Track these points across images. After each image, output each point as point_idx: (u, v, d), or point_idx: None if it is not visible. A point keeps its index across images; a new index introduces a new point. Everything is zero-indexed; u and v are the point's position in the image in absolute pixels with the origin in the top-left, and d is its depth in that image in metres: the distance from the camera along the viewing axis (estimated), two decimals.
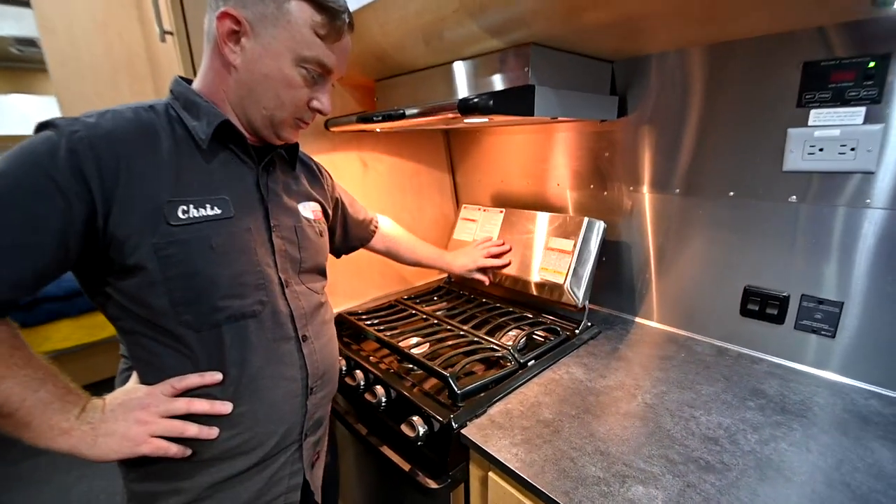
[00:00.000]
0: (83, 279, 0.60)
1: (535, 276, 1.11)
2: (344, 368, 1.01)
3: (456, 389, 0.79)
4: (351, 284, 1.30)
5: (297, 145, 0.77)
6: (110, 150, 0.55)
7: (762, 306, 0.92)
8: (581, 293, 1.03)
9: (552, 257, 1.08)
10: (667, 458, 0.67)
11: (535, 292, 1.11)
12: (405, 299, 1.27)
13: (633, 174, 1.07)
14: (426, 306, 1.22)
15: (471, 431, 0.74)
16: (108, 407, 0.59)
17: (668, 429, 0.73)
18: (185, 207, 0.59)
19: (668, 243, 1.06)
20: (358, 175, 1.27)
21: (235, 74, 0.62)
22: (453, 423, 0.74)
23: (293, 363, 0.69)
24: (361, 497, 1.10)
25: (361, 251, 1.29)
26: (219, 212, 0.62)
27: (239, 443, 0.64)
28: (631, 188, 1.09)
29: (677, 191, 1.01)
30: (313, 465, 0.77)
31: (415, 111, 0.79)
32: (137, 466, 0.62)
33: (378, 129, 1.13)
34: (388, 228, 1.14)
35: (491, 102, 0.68)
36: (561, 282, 1.05)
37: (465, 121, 0.83)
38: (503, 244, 1.20)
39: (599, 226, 1.05)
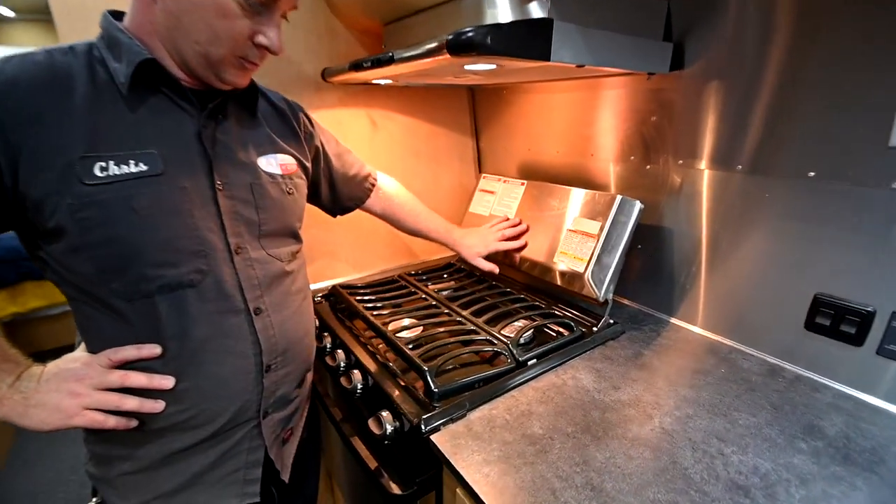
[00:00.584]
0: (22, 240, 0.56)
1: (552, 262, 0.96)
2: (328, 346, 0.93)
3: (433, 386, 0.68)
4: (354, 254, 1.21)
5: (255, 88, 0.66)
6: (14, 100, 0.49)
7: (836, 321, 0.73)
8: (604, 286, 0.87)
9: (574, 241, 0.92)
10: None
11: (554, 280, 0.96)
12: (410, 274, 1.17)
13: (686, 144, 0.87)
14: (432, 284, 1.11)
15: (441, 438, 0.63)
16: (44, 377, 0.56)
17: (685, 466, 0.59)
18: (103, 164, 0.51)
19: (724, 232, 0.86)
20: (365, 135, 1.15)
21: (161, 2, 0.52)
22: (423, 426, 0.64)
23: (243, 338, 0.62)
24: (346, 483, 1.04)
25: (364, 216, 1.18)
26: (144, 168, 0.53)
27: (186, 417, 0.60)
28: (681, 161, 0.89)
29: (740, 167, 0.80)
30: (285, 441, 0.72)
31: (404, 55, 0.65)
32: (93, 429, 0.59)
33: (383, 83, 1.00)
34: (390, 188, 1.01)
35: (489, 39, 0.53)
36: (581, 270, 0.89)
37: (466, 67, 0.68)
38: (520, 223, 1.05)
39: (635, 206, 0.87)
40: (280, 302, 0.66)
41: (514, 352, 0.79)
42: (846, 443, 0.63)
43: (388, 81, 0.97)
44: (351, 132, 1.12)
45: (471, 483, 0.55)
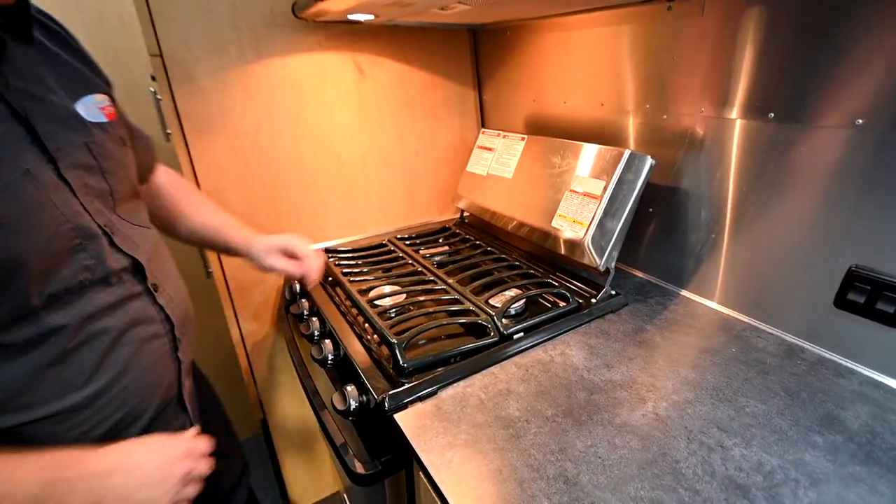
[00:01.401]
0: None
1: (548, 224, 0.87)
2: (304, 313, 0.88)
3: (401, 360, 0.62)
4: (343, 216, 1.14)
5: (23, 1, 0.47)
6: None
7: (872, 298, 0.62)
8: (605, 253, 0.78)
9: (574, 202, 0.82)
10: None
11: (554, 247, 0.88)
12: (401, 239, 1.09)
13: (711, 89, 0.75)
14: (424, 249, 1.04)
15: (407, 418, 0.58)
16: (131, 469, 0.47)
17: (676, 459, 0.52)
18: None
19: (751, 193, 0.75)
20: (351, 85, 1.05)
21: None
22: (386, 403, 0.58)
23: (153, 319, 0.55)
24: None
25: (356, 170, 1.11)
26: None
27: (116, 422, 0.51)
28: (703, 110, 0.77)
29: (773, 115, 0.68)
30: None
31: None
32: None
33: (363, 19, 0.89)
34: (169, 172, 0.79)
35: None
36: (580, 236, 0.80)
37: None
38: (311, 260, 0.80)
39: (645, 163, 0.76)
40: (166, 270, 0.60)
41: (499, 324, 0.72)
42: (870, 438, 0.54)
43: (370, 17, 0.86)
44: (334, 82, 1.02)
45: (429, 469, 0.50)
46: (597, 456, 0.52)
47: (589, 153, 0.83)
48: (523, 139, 0.98)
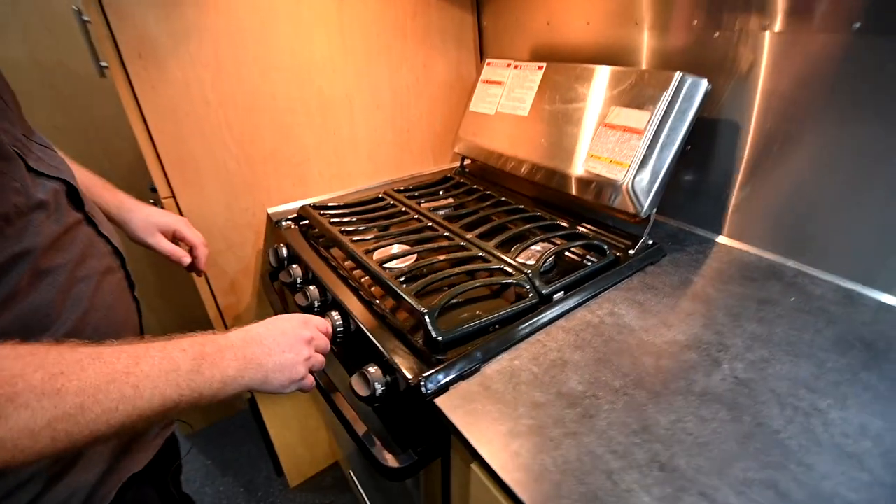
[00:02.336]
0: None
1: (578, 169, 0.75)
2: (298, 281, 0.74)
3: (435, 333, 0.51)
4: (329, 168, 0.98)
5: None
6: None
7: None
8: (649, 197, 0.68)
9: (611, 139, 0.71)
10: (777, 490, 0.39)
11: (578, 193, 0.77)
12: (399, 191, 0.95)
13: None
14: (425, 202, 0.90)
15: (451, 402, 0.47)
16: (266, 338, 0.46)
17: (775, 429, 0.44)
18: None
19: (808, 121, 0.66)
20: (331, 7, 0.86)
21: None
22: (424, 387, 0.48)
23: (102, 252, 0.50)
24: (346, 444, 0.92)
25: (342, 118, 0.94)
26: None
27: None
28: (765, 23, 0.65)
29: (857, 25, 0.57)
30: None
31: None
32: None
33: None
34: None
35: None
36: (620, 178, 0.69)
37: None
38: (201, 250, 0.73)
39: (700, 87, 0.65)
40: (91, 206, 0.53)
41: (538, 284, 0.61)
42: None
43: None
44: (309, 2, 0.83)
45: (497, 469, 0.40)
46: (686, 433, 0.44)
47: (627, 79, 0.71)
48: (540, 68, 0.84)
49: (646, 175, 0.68)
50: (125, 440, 0.52)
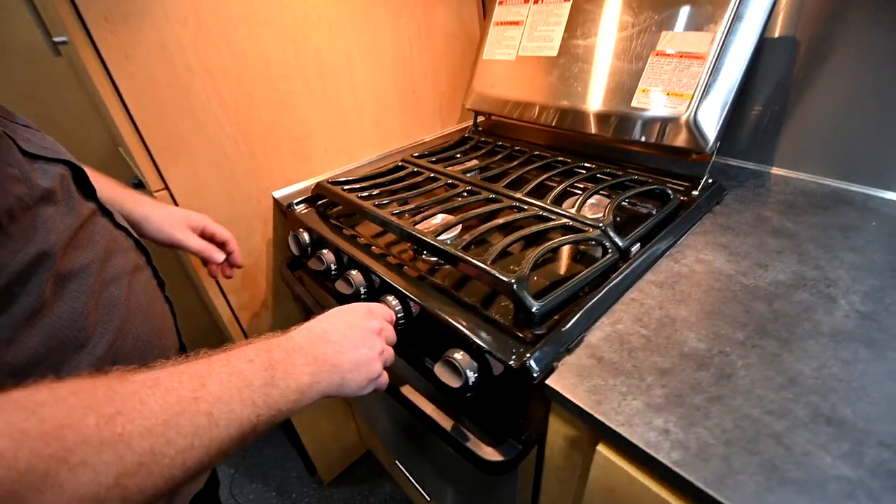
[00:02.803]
0: None
1: (625, 108, 0.68)
2: (333, 268, 0.66)
3: (531, 305, 0.44)
4: (333, 140, 0.88)
5: None
6: None
7: None
8: (714, 130, 0.62)
9: (666, 69, 0.63)
10: None
11: (623, 134, 0.69)
12: (416, 156, 0.86)
13: None
14: (449, 167, 0.82)
15: (565, 381, 0.41)
16: (333, 334, 0.40)
17: None
18: None
19: (871, 29, 0.61)
20: None
21: None
22: (532, 368, 0.41)
23: (125, 247, 0.43)
24: (397, 446, 0.86)
25: (344, 87, 0.84)
26: None
27: None
28: None
29: None
30: None
31: None
32: None
33: None
34: None
35: None
36: (682, 111, 0.62)
37: None
38: (233, 244, 0.67)
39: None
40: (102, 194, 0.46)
41: (615, 237, 0.54)
42: None
43: None
44: None
45: (650, 450, 0.34)
46: (836, 379, 0.39)
47: None
48: (567, 0, 0.75)
49: (711, 105, 0.61)
50: None
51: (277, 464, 1.39)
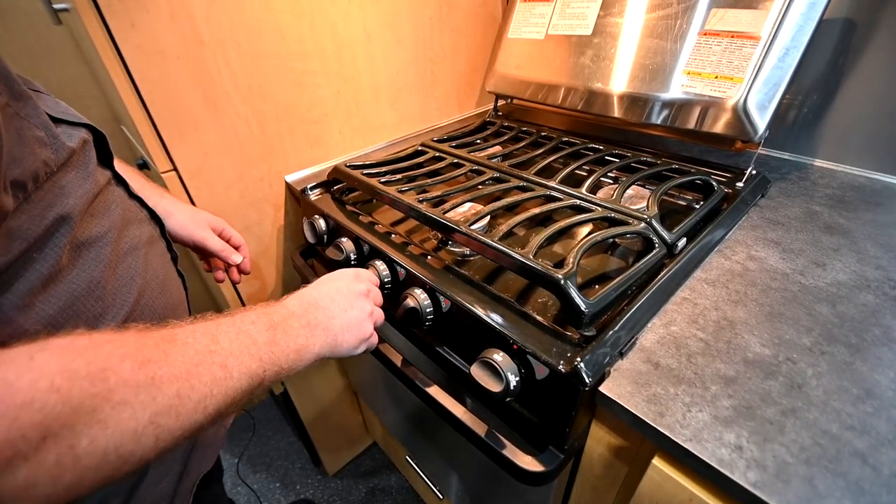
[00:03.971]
0: None
1: (668, 92, 0.63)
2: (353, 258, 0.62)
3: (582, 304, 0.40)
4: (350, 121, 0.83)
5: None
6: None
7: None
8: (767, 116, 0.57)
9: (715, 50, 0.59)
10: None
11: (664, 120, 0.65)
12: (436, 141, 0.81)
13: None
14: (472, 153, 0.77)
15: (621, 389, 0.37)
16: (323, 299, 0.42)
17: None
18: None
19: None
20: None
21: None
22: (584, 373, 0.37)
23: (140, 218, 0.42)
24: (417, 448, 0.83)
25: (362, 64, 0.79)
26: None
27: None
28: None
29: None
30: None
31: None
32: None
33: None
34: None
35: None
36: (732, 95, 0.58)
37: None
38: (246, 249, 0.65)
39: None
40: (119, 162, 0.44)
41: (662, 231, 0.51)
42: None
43: None
44: None
45: (724, 470, 0.31)
46: None
47: None
48: None
49: (764, 90, 0.57)
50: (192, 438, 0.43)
51: (282, 455, 1.37)
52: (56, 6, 0.61)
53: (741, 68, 0.57)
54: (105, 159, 0.40)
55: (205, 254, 0.62)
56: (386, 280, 0.56)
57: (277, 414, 1.49)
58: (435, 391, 0.49)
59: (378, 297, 0.46)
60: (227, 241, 0.62)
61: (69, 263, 0.32)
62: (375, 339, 0.44)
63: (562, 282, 0.40)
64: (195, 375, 0.28)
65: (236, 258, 0.62)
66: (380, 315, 0.45)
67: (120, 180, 0.41)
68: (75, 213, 0.32)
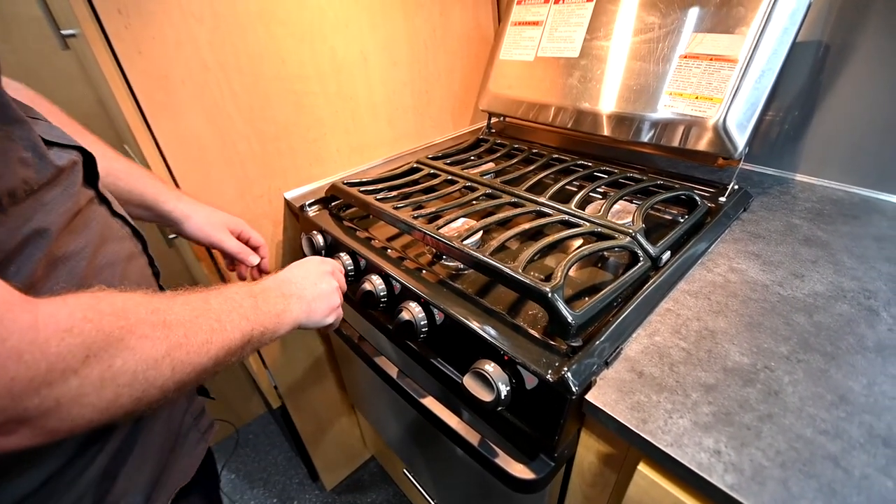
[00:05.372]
0: None
1: (651, 112, 0.66)
2: (350, 271, 0.63)
3: (568, 316, 0.42)
4: (348, 139, 0.86)
5: None
6: None
7: None
8: (745, 134, 0.60)
9: (695, 72, 0.62)
10: None
11: (649, 138, 0.68)
12: (430, 158, 0.84)
13: None
14: (465, 169, 0.80)
15: (606, 397, 0.39)
16: (296, 276, 0.49)
17: None
18: None
19: (876, 35, 0.60)
20: None
21: None
22: (571, 382, 0.39)
23: (121, 236, 0.43)
24: (410, 456, 0.84)
25: (359, 81, 0.82)
26: None
27: None
28: None
29: None
30: None
31: None
32: None
33: None
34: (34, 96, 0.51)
35: None
36: (711, 115, 0.60)
37: None
38: (265, 250, 0.68)
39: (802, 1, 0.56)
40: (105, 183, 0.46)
41: (646, 244, 0.53)
42: None
43: None
44: None
45: (704, 474, 0.32)
46: (888, 397, 0.37)
47: None
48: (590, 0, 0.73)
49: (741, 109, 0.59)
50: (167, 449, 0.45)
51: (279, 469, 1.37)
52: (64, 32, 0.64)
53: (720, 89, 0.60)
54: (91, 179, 0.41)
55: (224, 255, 0.65)
56: (381, 293, 0.58)
57: (276, 429, 1.49)
58: (429, 402, 0.51)
59: (342, 280, 0.53)
60: (247, 242, 0.65)
61: (44, 276, 0.33)
62: (342, 312, 0.51)
63: (549, 295, 0.42)
64: (196, 324, 0.33)
65: (253, 259, 0.65)
66: (344, 289, 0.52)
67: (103, 199, 0.42)
68: (54, 228, 0.33)
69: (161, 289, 0.49)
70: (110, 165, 0.52)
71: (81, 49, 0.65)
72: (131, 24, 0.56)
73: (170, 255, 1.05)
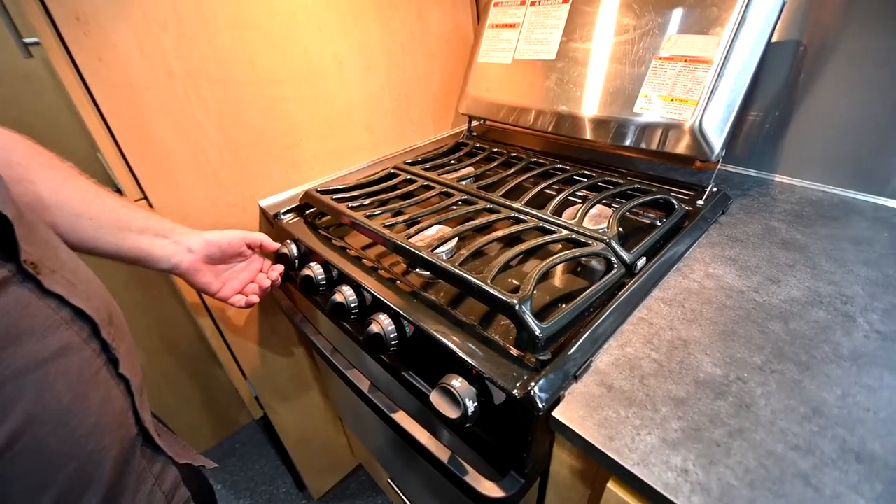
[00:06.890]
0: None
1: (627, 114, 0.65)
2: (321, 280, 0.62)
3: (535, 329, 0.41)
4: (325, 145, 0.84)
5: None
6: None
7: None
8: (722, 136, 0.59)
9: (670, 74, 0.61)
10: None
11: (626, 141, 0.67)
12: (409, 163, 0.83)
13: None
14: (443, 174, 0.79)
15: (573, 413, 0.38)
16: None
17: None
18: None
19: (857, 36, 0.59)
20: None
21: None
22: (538, 399, 0.38)
23: (52, 323, 0.33)
24: (395, 469, 0.82)
25: (334, 85, 0.80)
26: None
27: (57, 496, 0.33)
28: None
29: None
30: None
31: None
32: None
33: None
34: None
35: None
36: (686, 118, 0.59)
37: None
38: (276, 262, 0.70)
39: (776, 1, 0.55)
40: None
41: (620, 251, 0.52)
42: None
43: None
44: None
45: (670, 496, 0.31)
46: (862, 408, 0.36)
47: (682, 0, 0.60)
48: (566, 1, 0.72)
49: (717, 111, 0.58)
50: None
51: (266, 479, 1.35)
52: (26, 40, 0.62)
53: (695, 91, 0.59)
54: (9, 253, 0.31)
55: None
56: (353, 304, 0.57)
57: (263, 438, 1.47)
58: (400, 416, 0.49)
59: None
60: (269, 250, 0.68)
61: None
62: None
63: (516, 307, 0.41)
64: None
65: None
66: None
67: (27, 276, 0.31)
68: None
69: (122, 378, 0.38)
70: (95, 205, 0.50)
71: (45, 57, 0.64)
72: (91, 32, 0.55)
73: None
